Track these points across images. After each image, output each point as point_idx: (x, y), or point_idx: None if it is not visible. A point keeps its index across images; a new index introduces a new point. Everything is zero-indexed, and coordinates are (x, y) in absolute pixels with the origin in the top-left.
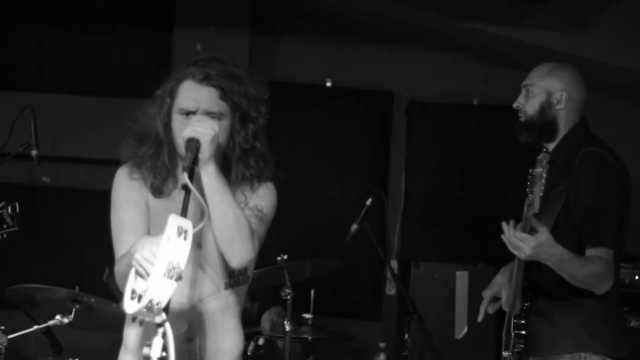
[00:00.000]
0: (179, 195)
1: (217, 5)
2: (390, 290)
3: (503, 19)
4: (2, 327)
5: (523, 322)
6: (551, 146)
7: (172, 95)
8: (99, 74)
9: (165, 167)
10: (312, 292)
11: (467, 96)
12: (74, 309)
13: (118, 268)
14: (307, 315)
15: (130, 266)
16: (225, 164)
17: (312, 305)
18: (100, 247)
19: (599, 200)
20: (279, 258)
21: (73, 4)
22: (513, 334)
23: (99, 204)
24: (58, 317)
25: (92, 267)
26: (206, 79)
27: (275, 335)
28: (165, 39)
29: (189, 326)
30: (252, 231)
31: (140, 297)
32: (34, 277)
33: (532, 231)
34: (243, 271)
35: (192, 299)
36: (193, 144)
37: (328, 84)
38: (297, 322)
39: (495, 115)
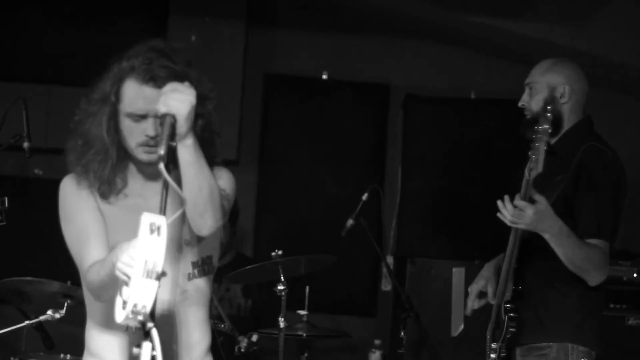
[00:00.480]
0: (130, 192)
1: None
2: (386, 286)
3: (503, 11)
4: None
5: (514, 306)
6: (553, 140)
7: (117, 95)
8: (92, 64)
9: (112, 172)
10: (307, 288)
11: (464, 89)
12: (65, 304)
13: (93, 277)
14: (301, 312)
15: (110, 276)
16: None
17: (307, 302)
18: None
19: (600, 194)
20: (273, 253)
21: None
22: (506, 317)
23: None
24: (50, 312)
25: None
26: (152, 81)
27: (270, 332)
28: (159, 30)
29: (171, 325)
30: (221, 201)
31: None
32: (25, 270)
33: (530, 201)
34: (207, 260)
35: (174, 296)
36: (169, 120)
37: (324, 77)
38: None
39: (493, 109)
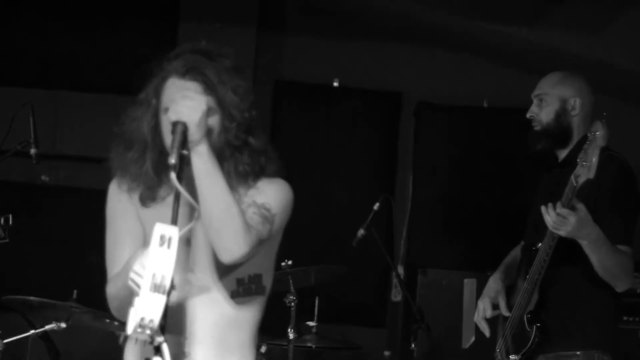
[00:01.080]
0: (170, 198)
1: (223, 1)
2: (396, 296)
3: (517, 19)
4: None
5: (540, 315)
6: (563, 153)
7: (157, 95)
8: (101, 70)
9: (150, 173)
10: (317, 298)
11: (477, 98)
12: (71, 314)
13: (111, 290)
14: (311, 323)
15: (125, 286)
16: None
17: (316, 313)
18: (101, 248)
19: (623, 201)
20: (283, 264)
21: None
22: (534, 327)
23: (100, 204)
24: (55, 321)
25: (93, 268)
26: (189, 72)
27: (279, 343)
28: (170, 35)
29: (187, 338)
30: (246, 224)
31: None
32: (32, 278)
33: (571, 208)
34: (255, 279)
35: (188, 307)
36: (180, 128)
37: (335, 84)
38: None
39: (506, 117)
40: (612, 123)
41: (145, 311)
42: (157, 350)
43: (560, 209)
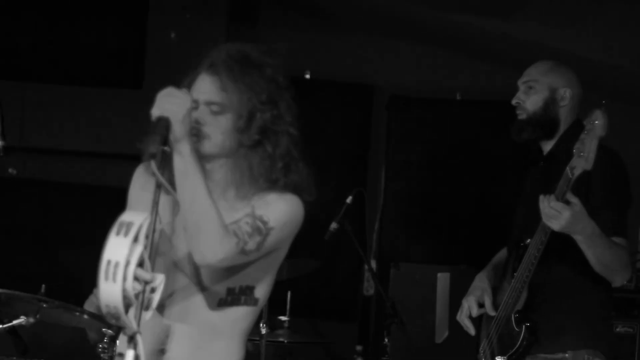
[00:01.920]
0: None
1: None
2: (368, 290)
3: (491, 11)
4: None
5: (529, 315)
6: (548, 145)
7: (190, 87)
8: (70, 62)
9: None
10: (289, 293)
11: (450, 91)
12: (40, 309)
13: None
14: (283, 318)
15: None
16: (232, 159)
17: (288, 307)
18: (69, 242)
19: (616, 192)
20: None
21: None
22: (523, 327)
23: (68, 197)
24: (23, 316)
25: (61, 262)
26: (211, 67)
27: (251, 338)
28: (139, 27)
29: (166, 336)
30: (225, 231)
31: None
32: None
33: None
34: (246, 290)
35: (169, 306)
36: (162, 123)
37: (307, 76)
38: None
39: (479, 110)
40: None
41: (105, 300)
42: (131, 340)
43: (554, 203)
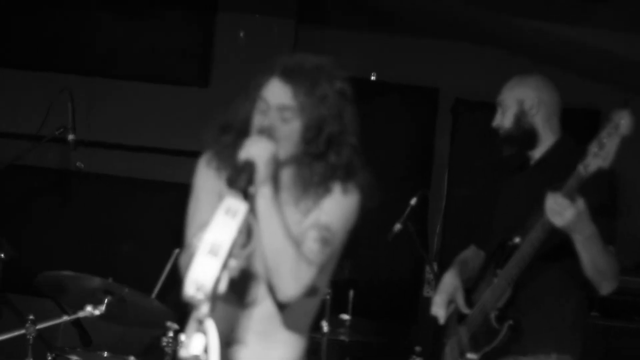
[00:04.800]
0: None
1: None
2: (428, 292)
3: (560, 17)
4: (31, 317)
5: (511, 313)
6: (536, 153)
7: (258, 88)
8: (139, 58)
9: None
10: (351, 292)
11: None
12: (105, 300)
13: (183, 258)
14: (345, 316)
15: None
16: (295, 167)
17: (350, 306)
18: (134, 236)
19: (611, 201)
20: None
21: None
22: (506, 325)
23: (134, 192)
24: (89, 308)
25: (126, 257)
26: (286, 75)
27: (313, 336)
28: (207, 25)
29: (232, 330)
30: (299, 266)
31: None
32: (65, 264)
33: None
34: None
35: (241, 301)
36: (249, 166)
37: (372, 78)
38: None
39: None
40: None
41: (198, 273)
42: (201, 324)
43: (560, 199)
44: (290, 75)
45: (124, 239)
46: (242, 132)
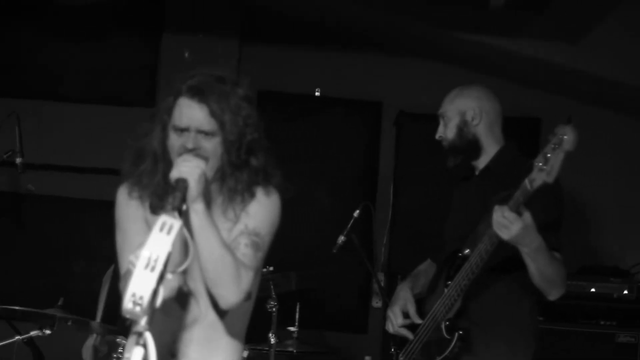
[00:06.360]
0: None
1: (206, 12)
2: (377, 302)
3: (496, 29)
4: None
5: (462, 323)
6: (481, 162)
7: (169, 112)
8: (86, 80)
9: (161, 184)
10: (298, 304)
11: None
12: (56, 320)
13: (122, 286)
14: (292, 329)
15: None
16: (220, 179)
17: (297, 318)
18: (86, 256)
19: (555, 207)
20: (264, 269)
21: (61, 10)
22: (456, 334)
23: (85, 213)
24: (40, 328)
25: (78, 276)
26: (198, 95)
27: (260, 348)
28: (153, 46)
29: (174, 341)
30: (241, 270)
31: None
32: (17, 286)
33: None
34: None
35: (181, 314)
36: (181, 184)
37: (317, 94)
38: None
39: None
40: (590, 131)
41: (136, 287)
42: (140, 337)
43: (507, 213)
44: (201, 94)
45: (76, 259)
46: (158, 156)
